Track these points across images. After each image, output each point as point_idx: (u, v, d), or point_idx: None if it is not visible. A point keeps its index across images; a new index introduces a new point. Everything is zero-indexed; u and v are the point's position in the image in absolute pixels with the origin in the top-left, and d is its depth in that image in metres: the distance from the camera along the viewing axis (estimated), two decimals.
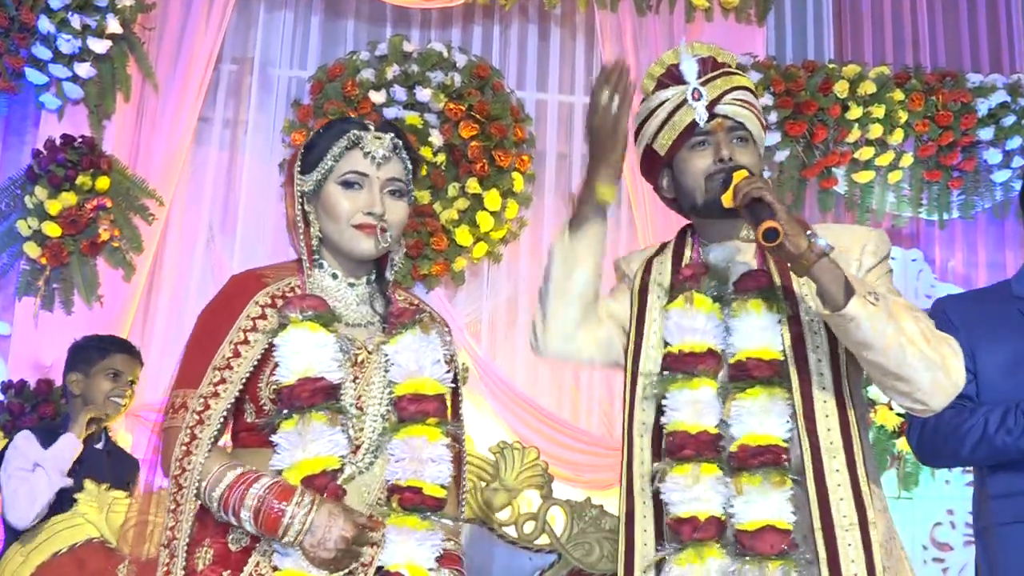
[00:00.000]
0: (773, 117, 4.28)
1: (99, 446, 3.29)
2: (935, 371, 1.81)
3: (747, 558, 1.82)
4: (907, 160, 4.45)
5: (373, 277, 2.04)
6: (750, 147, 2.02)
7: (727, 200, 1.88)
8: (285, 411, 1.83)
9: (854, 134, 4.38)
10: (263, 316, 1.88)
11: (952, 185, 4.49)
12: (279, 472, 1.82)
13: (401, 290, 2.11)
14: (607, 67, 2.02)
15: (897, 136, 4.40)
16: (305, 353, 1.83)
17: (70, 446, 3.06)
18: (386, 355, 1.95)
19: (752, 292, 1.94)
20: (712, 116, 1.99)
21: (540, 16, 4.61)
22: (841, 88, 4.36)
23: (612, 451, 4.18)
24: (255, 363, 1.86)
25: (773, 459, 1.85)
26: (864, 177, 4.43)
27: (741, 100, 2.02)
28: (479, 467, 3.15)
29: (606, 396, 4.29)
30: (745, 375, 1.90)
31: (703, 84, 2.01)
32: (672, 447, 1.90)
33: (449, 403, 1.99)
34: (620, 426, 4.15)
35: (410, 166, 2.05)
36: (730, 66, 2.08)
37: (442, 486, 1.91)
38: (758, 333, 1.91)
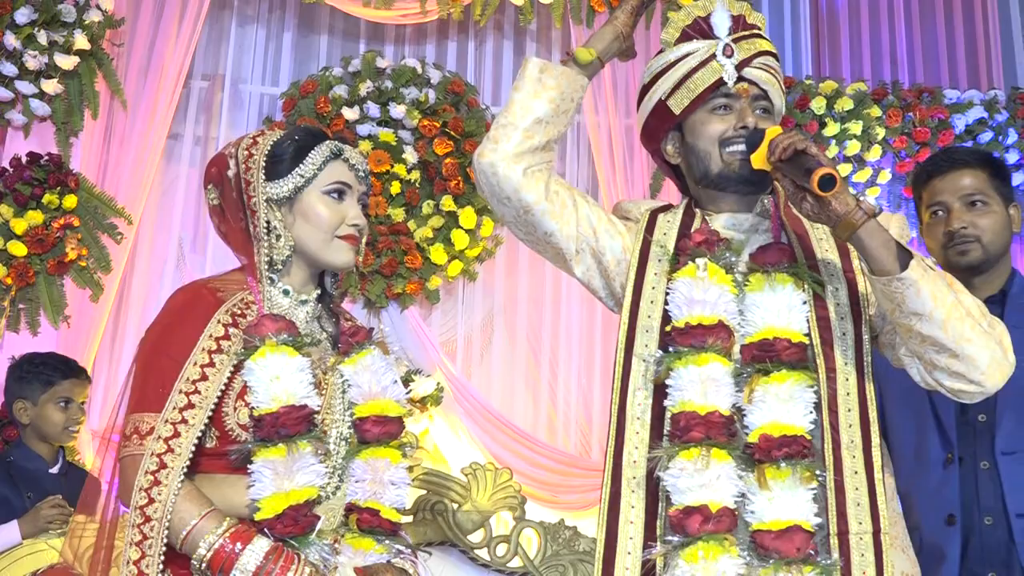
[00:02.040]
0: None
1: (54, 470, 3.27)
2: (994, 348, 1.70)
3: (768, 561, 1.67)
4: (885, 176, 4.48)
5: (319, 293, 1.99)
6: (771, 121, 1.91)
7: (758, 160, 1.78)
8: (268, 439, 1.77)
9: (831, 151, 4.40)
10: (227, 336, 1.81)
11: None
12: (256, 502, 1.75)
13: (338, 306, 2.07)
14: None
15: (875, 153, 4.43)
16: (285, 379, 1.78)
17: (10, 540, 3.01)
18: (343, 376, 1.92)
19: (774, 266, 1.80)
20: (739, 79, 1.89)
21: (515, 32, 4.62)
22: (818, 104, 4.39)
23: (589, 471, 4.18)
24: (221, 387, 1.79)
25: (800, 452, 1.69)
26: None
27: (770, 67, 1.92)
28: (451, 489, 3.14)
29: (583, 415, 4.29)
30: (771, 355, 1.75)
31: (735, 41, 1.90)
32: (678, 430, 1.73)
33: None
34: (597, 446, 4.18)
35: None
36: (760, 28, 1.96)
37: (398, 510, 1.88)
38: (784, 311, 1.77)
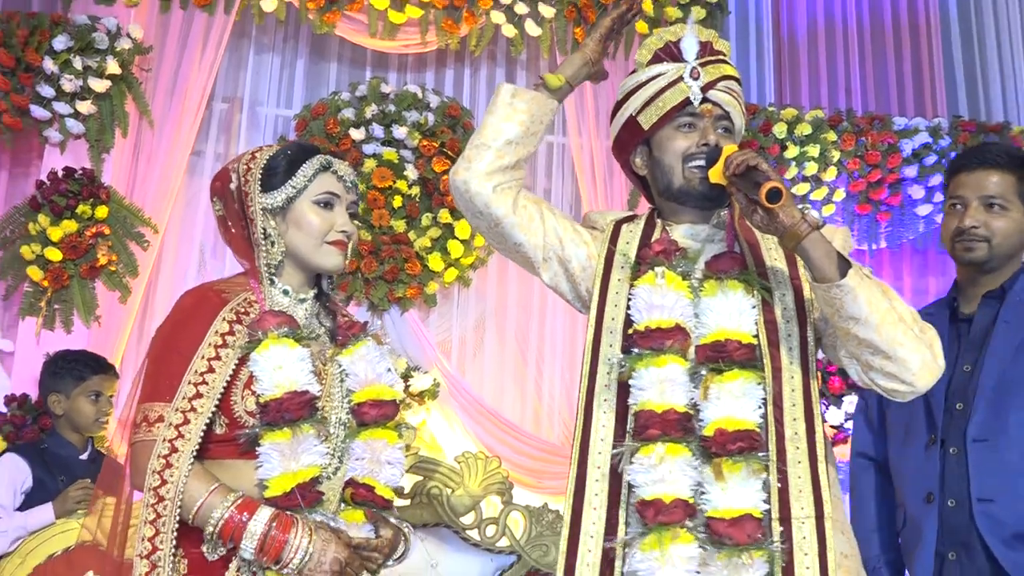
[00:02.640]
0: None
1: (84, 456, 3.26)
2: (924, 351, 1.70)
3: (722, 547, 1.66)
4: (839, 195, 4.49)
5: (316, 293, 1.98)
6: (732, 140, 1.90)
7: (715, 175, 1.78)
8: (274, 423, 1.77)
9: (791, 171, 4.41)
10: (231, 332, 1.81)
11: (880, 218, 4.54)
12: (264, 481, 1.76)
13: (336, 304, 2.07)
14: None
15: (830, 173, 4.44)
16: (287, 368, 1.78)
17: (45, 520, 3.00)
18: (341, 366, 1.92)
19: (727, 273, 1.79)
20: (704, 100, 1.87)
21: (507, 60, 4.62)
22: (780, 129, 4.40)
23: (568, 460, 4.18)
24: (227, 379, 1.79)
25: (751, 445, 1.69)
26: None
27: (733, 91, 1.91)
28: (445, 475, 3.14)
29: (566, 407, 4.29)
30: (723, 356, 1.74)
31: (701, 65, 1.88)
32: (639, 427, 1.73)
33: None
34: None
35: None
36: (725, 55, 1.95)
37: (393, 488, 1.88)
38: (735, 315, 1.76)
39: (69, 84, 3.96)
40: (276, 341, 1.79)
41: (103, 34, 4.03)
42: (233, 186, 1.92)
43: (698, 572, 1.68)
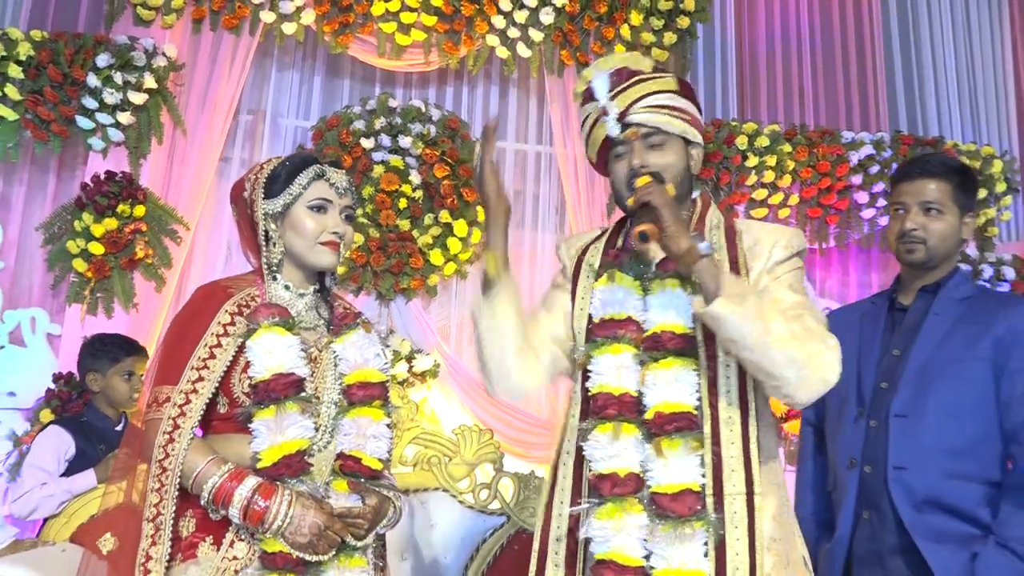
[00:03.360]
0: None
1: (119, 428, 3.26)
2: (800, 369, 1.63)
3: (665, 520, 1.65)
4: (794, 199, 4.50)
5: (317, 287, 1.98)
6: (668, 147, 1.82)
7: (631, 203, 1.76)
8: (263, 402, 1.77)
9: (751, 179, 4.41)
10: (232, 323, 1.82)
11: (829, 220, 4.55)
12: (257, 454, 1.76)
13: (339, 297, 2.06)
14: (485, 131, 1.82)
15: (786, 180, 4.45)
16: (276, 353, 1.79)
17: (87, 485, 2.99)
18: (335, 352, 1.91)
19: (667, 273, 1.77)
20: (626, 126, 1.81)
21: (500, 79, 4.61)
22: (742, 141, 4.40)
23: (554, 431, 4.18)
24: (227, 363, 1.80)
25: (688, 425, 1.69)
26: (760, 213, 4.47)
27: (653, 106, 1.81)
28: (444, 445, 3.14)
29: (550, 387, 4.28)
30: (659, 346, 1.73)
31: (612, 98, 1.81)
32: (596, 408, 1.74)
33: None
34: (562, 412, 4.18)
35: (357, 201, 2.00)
36: (645, 71, 1.85)
37: (380, 460, 1.86)
38: (673, 309, 1.75)
39: (111, 97, 3.94)
40: (268, 329, 1.80)
41: (141, 53, 4.02)
42: (245, 194, 1.93)
43: (646, 540, 1.67)
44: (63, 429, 3.14)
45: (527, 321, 1.91)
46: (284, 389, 1.77)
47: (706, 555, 1.65)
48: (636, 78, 1.84)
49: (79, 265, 3.91)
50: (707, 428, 1.70)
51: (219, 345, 1.80)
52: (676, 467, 1.67)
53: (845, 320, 2.33)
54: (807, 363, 1.64)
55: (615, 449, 1.70)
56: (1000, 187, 4.64)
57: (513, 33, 4.39)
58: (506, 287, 1.84)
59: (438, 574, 3.03)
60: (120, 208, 3.91)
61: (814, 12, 5.01)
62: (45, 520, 2.98)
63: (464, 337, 4.37)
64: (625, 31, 4.44)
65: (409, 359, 4.01)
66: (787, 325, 1.65)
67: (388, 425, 1.89)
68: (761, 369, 1.65)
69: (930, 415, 2.10)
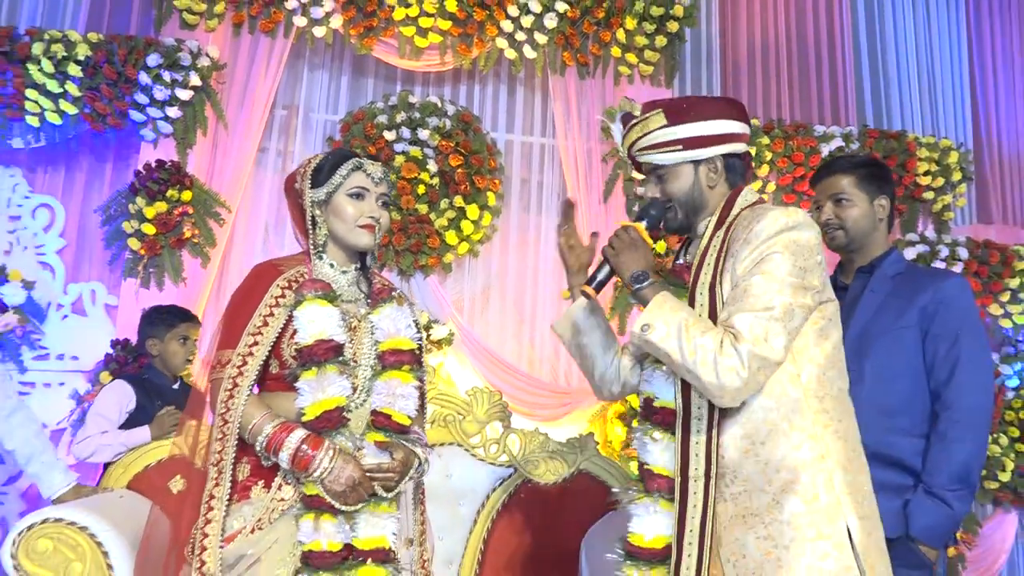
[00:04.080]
0: None
1: (176, 387, 3.25)
2: (711, 379, 1.59)
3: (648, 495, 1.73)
4: (771, 187, 4.45)
5: (358, 265, 2.02)
6: (671, 176, 1.80)
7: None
8: (306, 364, 1.82)
9: None
10: (283, 295, 1.87)
11: (803, 206, 4.50)
12: (302, 408, 1.81)
13: (377, 274, 2.08)
14: (565, 207, 1.96)
15: (764, 170, 4.40)
16: (319, 321, 1.82)
17: (142, 439, 2.98)
18: (371, 322, 1.94)
19: (673, 282, 1.80)
20: (635, 161, 1.86)
21: (509, 78, 4.56)
22: None
23: (557, 393, 4.18)
24: (279, 330, 1.85)
25: (666, 419, 1.71)
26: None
27: (645, 147, 1.81)
28: (458, 405, 3.12)
29: (553, 354, 4.28)
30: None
31: (624, 143, 1.86)
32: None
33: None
34: (563, 376, 4.18)
35: (392, 189, 2.03)
36: (636, 121, 1.84)
37: (408, 416, 1.88)
38: None
39: (160, 93, 3.91)
40: (312, 301, 1.84)
41: (187, 54, 3.98)
42: (296, 185, 1.98)
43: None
44: (126, 383, 3.13)
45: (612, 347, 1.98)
46: (325, 353, 1.82)
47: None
48: (631, 123, 1.85)
49: (133, 243, 3.90)
50: (679, 418, 1.69)
51: (271, 315, 1.85)
52: (656, 455, 1.73)
53: None
54: (726, 370, 1.59)
55: (655, 447, 1.77)
56: (956, 176, 4.60)
57: (520, 36, 4.34)
58: (591, 310, 1.93)
59: (454, 519, 3.02)
60: (169, 193, 3.89)
61: (790, 18, 4.94)
62: (104, 469, 2.98)
63: (476, 309, 4.36)
64: (621, 35, 4.38)
65: (427, 328, 4.00)
66: (703, 338, 1.61)
67: (416, 387, 1.92)
68: (688, 376, 1.64)
69: (866, 380, 2.11)
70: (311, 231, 1.94)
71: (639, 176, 1.89)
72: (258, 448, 1.81)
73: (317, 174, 1.94)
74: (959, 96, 4.97)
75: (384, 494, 1.83)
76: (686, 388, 1.68)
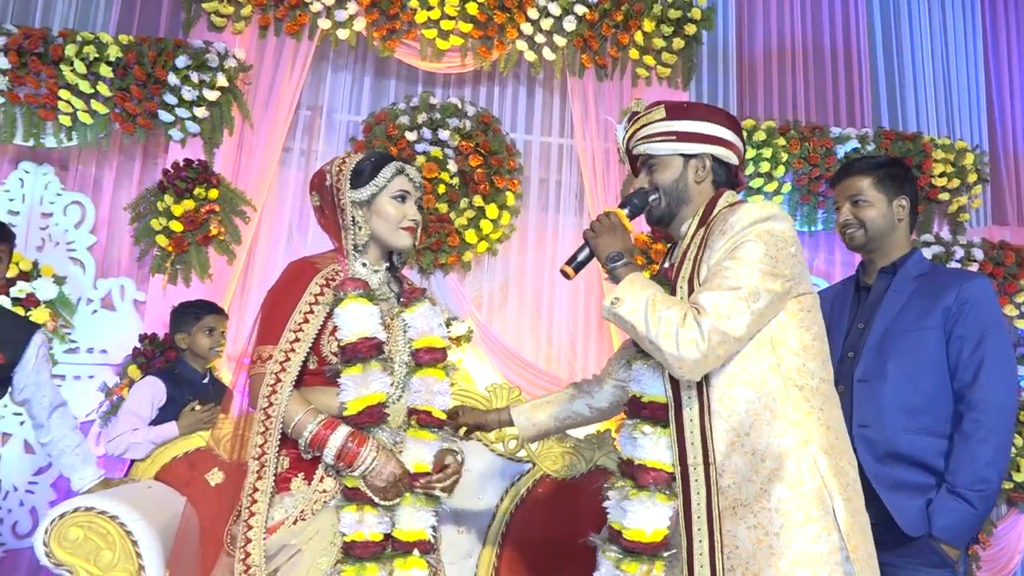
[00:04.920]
0: None
1: (205, 381, 3.27)
2: (672, 352, 1.62)
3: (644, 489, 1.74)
4: (787, 188, 4.43)
5: (387, 265, 2.04)
6: (660, 167, 1.87)
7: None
8: (351, 361, 1.83)
9: (749, 169, 4.36)
10: (322, 293, 1.88)
11: (818, 207, 4.48)
12: (344, 404, 1.82)
13: (402, 275, 2.11)
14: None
15: (780, 171, 4.38)
16: (362, 319, 1.84)
17: (170, 434, 2.98)
18: (404, 320, 1.96)
19: (658, 276, 1.86)
20: (632, 155, 1.94)
21: (528, 79, 4.57)
22: None
23: None
24: (319, 327, 1.86)
25: (656, 413, 1.74)
26: (756, 200, 4.41)
27: (642, 137, 1.89)
28: (478, 400, 3.13)
29: (570, 350, 4.28)
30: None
31: (625, 138, 1.94)
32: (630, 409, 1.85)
33: None
34: (581, 372, 4.17)
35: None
36: (640, 114, 1.93)
37: (443, 411, 1.94)
38: None
39: (188, 94, 3.94)
40: (354, 299, 1.85)
41: (214, 55, 4.01)
42: (327, 183, 1.97)
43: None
44: (158, 379, 3.16)
45: None
46: (368, 351, 1.84)
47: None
48: (634, 120, 1.93)
49: (161, 240, 3.93)
50: (672, 408, 1.71)
51: (311, 312, 1.86)
52: (647, 448, 1.73)
53: (821, 303, 2.34)
54: (686, 343, 1.62)
55: (644, 441, 1.78)
56: (972, 177, 4.56)
57: (539, 39, 4.35)
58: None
59: (474, 512, 3.03)
60: (196, 191, 3.93)
61: (806, 20, 4.93)
62: (132, 463, 3.00)
63: (495, 306, 4.37)
64: (639, 37, 4.38)
65: (447, 324, 4.00)
66: (668, 311, 1.64)
67: (450, 384, 1.97)
68: (654, 351, 1.66)
69: (889, 379, 2.11)
70: (352, 231, 1.94)
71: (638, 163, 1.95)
72: (302, 444, 1.82)
73: (358, 175, 1.94)
74: (975, 98, 4.94)
75: (444, 496, 1.88)
76: (674, 380, 1.70)
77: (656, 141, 1.86)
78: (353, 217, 1.94)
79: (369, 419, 1.82)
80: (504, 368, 4.14)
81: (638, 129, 1.90)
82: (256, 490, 1.79)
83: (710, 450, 1.67)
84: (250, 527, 1.76)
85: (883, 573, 2.03)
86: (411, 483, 1.85)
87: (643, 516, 1.71)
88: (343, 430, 1.80)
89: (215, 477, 1.93)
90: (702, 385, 1.69)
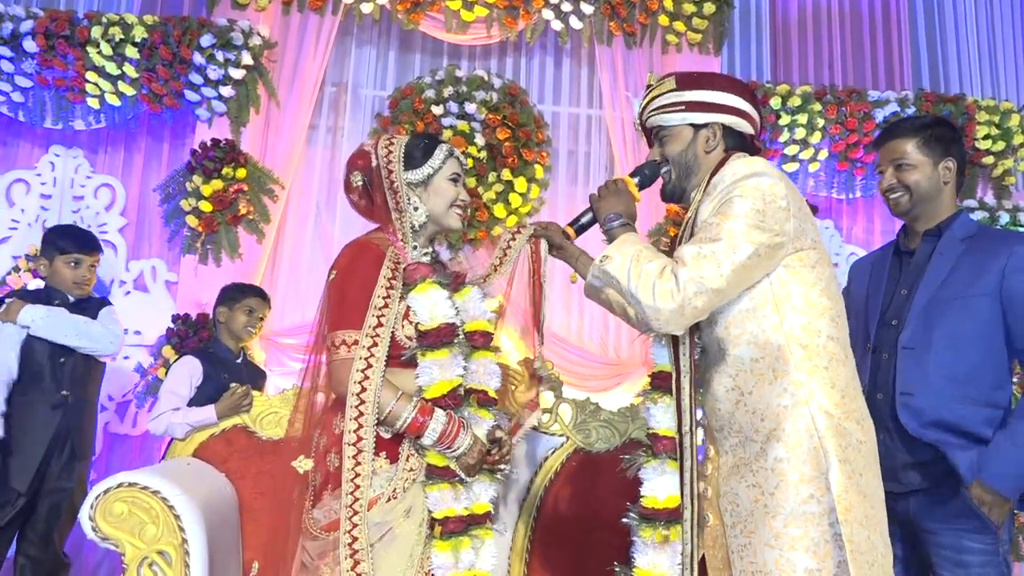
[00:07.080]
0: None
1: (239, 361, 3.34)
2: (649, 305, 1.66)
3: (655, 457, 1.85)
4: (823, 154, 4.39)
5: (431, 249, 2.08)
6: (671, 138, 1.89)
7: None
8: (433, 345, 1.88)
9: (784, 136, 4.32)
10: (394, 277, 1.91)
11: (856, 173, 4.44)
12: (423, 387, 1.89)
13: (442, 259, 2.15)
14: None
15: (816, 137, 4.34)
16: (439, 306, 1.89)
17: (208, 418, 3.04)
18: (454, 303, 1.97)
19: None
20: (646, 127, 1.96)
21: (555, 49, 4.56)
22: (775, 102, 4.30)
23: (606, 365, 4.20)
24: (396, 312, 1.90)
25: (660, 383, 1.83)
26: (791, 167, 4.38)
27: (654, 108, 1.91)
28: (511, 376, 3.16)
29: (602, 324, 4.31)
30: None
31: (639, 111, 1.97)
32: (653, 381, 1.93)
33: None
34: (612, 348, 4.18)
35: None
36: (653, 86, 1.95)
37: (496, 390, 2.01)
38: None
39: (214, 73, 3.99)
40: (430, 286, 1.90)
41: (239, 33, 4.05)
42: (374, 164, 1.98)
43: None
44: (195, 359, 3.23)
45: None
46: (450, 336, 1.89)
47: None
48: (648, 90, 1.96)
49: (191, 221, 4.00)
50: (674, 380, 1.78)
51: (389, 296, 1.89)
52: (657, 417, 1.85)
53: (859, 270, 2.35)
54: (665, 295, 1.65)
55: (660, 413, 1.89)
56: (1018, 139, 4.47)
57: (566, 7, 4.34)
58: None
59: (508, 485, 3.08)
60: (225, 171, 3.99)
61: None
62: (171, 441, 3.09)
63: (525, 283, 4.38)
64: (668, 2, 4.35)
65: None
66: (650, 266, 1.68)
67: (500, 364, 2.05)
68: (632, 304, 1.70)
69: (935, 346, 2.07)
70: (408, 212, 1.97)
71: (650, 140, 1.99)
72: (396, 429, 1.87)
73: (410, 157, 1.98)
74: (1020, 56, 4.83)
75: (505, 468, 2.00)
76: (676, 348, 1.76)
77: (666, 112, 1.88)
78: (409, 198, 1.97)
79: (452, 402, 1.89)
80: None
81: (650, 101, 1.92)
82: (357, 475, 1.83)
83: (690, 417, 1.75)
84: (355, 512, 1.81)
85: (924, 539, 2.05)
86: None
87: (656, 483, 1.80)
88: (441, 415, 1.87)
89: (303, 464, 1.97)
90: (693, 356, 1.77)
